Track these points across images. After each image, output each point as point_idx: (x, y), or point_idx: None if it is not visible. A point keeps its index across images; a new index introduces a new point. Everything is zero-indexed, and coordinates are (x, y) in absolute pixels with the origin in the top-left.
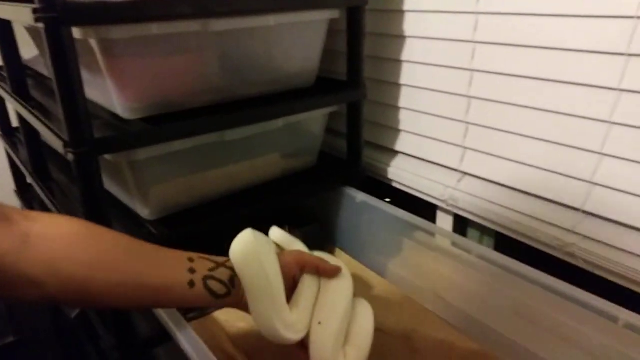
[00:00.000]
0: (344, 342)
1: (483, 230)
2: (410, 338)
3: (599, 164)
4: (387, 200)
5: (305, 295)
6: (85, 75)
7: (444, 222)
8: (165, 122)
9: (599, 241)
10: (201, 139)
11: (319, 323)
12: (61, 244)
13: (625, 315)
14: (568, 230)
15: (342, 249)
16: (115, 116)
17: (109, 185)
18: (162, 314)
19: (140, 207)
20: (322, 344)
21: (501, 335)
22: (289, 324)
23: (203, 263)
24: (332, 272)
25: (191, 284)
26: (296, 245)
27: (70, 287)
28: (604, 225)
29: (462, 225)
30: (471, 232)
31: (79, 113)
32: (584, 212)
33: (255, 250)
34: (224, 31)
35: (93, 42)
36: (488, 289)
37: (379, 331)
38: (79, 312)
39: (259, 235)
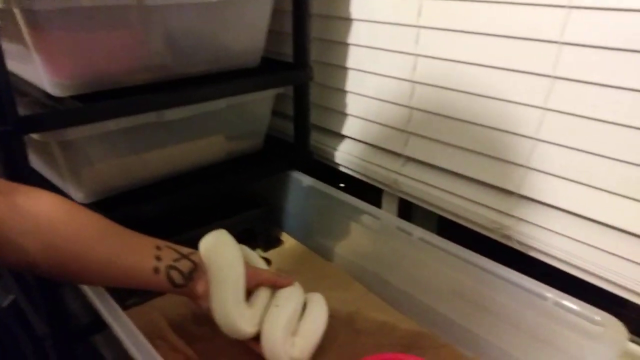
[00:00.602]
0: (296, 332)
1: (426, 214)
2: (354, 319)
3: (534, 149)
4: (342, 185)
5: (260, 297)
6: (11, 48)
7: (389, 206)
8: (98, 100)
9: (532, 224)
10: (138, 119)
11: (276, 305)
12: (45, 215)
13: (553, 294)
14: (504, 214)
15: (289, 233)
16: (46, 94)
17: (40, 166)
18: (96, 301)
19: (74, 190)
20: (275, 323)
21: (441, 315)
22: (246, 316)
23: (169, 253)
24: (288, 284)
25: (156, 270)
26: (260, 265)
27: (52, 257)
28: (537, 209)
29: (406, 209)
30: (415, 216)
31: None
32: (520, 195)
33: (226, 244)
34: (162, 5)
35: (17, 12)
36: (429, 270)
37: None
38: (11, 301)
39: (231, 237)
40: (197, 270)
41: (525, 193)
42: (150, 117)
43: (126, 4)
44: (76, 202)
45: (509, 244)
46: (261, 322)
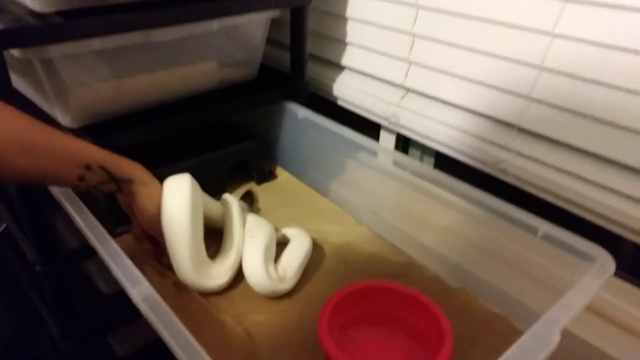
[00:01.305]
0: (278, 260)
1: (423, 149)
2: (344, 251)
3: (537, 80)
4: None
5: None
6: None
7: (387, 141)
8: (82, 17)
9: (530, 157)
10: (124, 39)
11: (252, 237)
12: None
13: (544, 226)
14: (502, 147)
15: (283, 167)
16: (29, 11)
17: (26, 89)
18: (84, 227)
19: (61, 114)
20: (255, 252)
21: (431, 249)
22: (208, 273)
23: (97, 174)
24: None
25: (76, 187)
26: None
27: None
28: (535, 142)
29: (404, 144)
30: (412, 151)
31: None
32: (519, 128)
33: (182, 195)
34: None
35: None
36: (423, 205)
37: (314, 245)
38: (2, 229)
39: (191, 184)
40: (123, 193)
41: (525, 126)
42: (137, 38)
43: None
44: (63, 126)
45: (504, 178)
46: (230, 270)
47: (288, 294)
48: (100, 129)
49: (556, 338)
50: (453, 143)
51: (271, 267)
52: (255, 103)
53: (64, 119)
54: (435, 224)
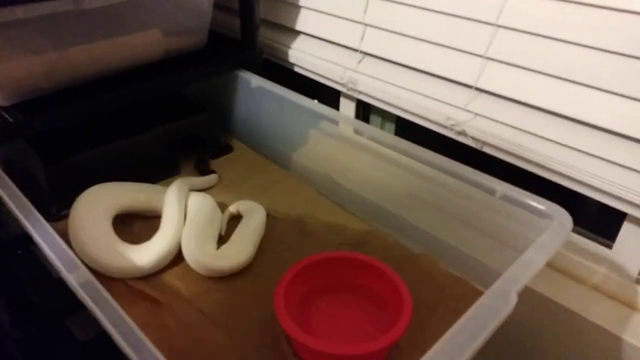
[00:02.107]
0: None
1: (384, 115)
2: (303, 222)
3: (494, 37)
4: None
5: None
6: None
7: (347, 108)
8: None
9: (489, 118)
10: (52, 6)
11: (190, 220)
12: None
13: (502, 187)
14: (461, 109)
15: (240, 139)
16: None
17: None
18: (17, 212)
19: None
20: (188, 233)
21: (392, 214)
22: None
23: None
24: None
25: None
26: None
27: None
28: (494, 102)
29: (364, 111)
30: (373, 118)
31: None
32: (477, 89)
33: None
34: None
35: None
36: (383, 172)
37: (273, 218)
38: None
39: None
40: None
41: (482, 86)
42: (66, 4)
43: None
44: None
45: (464, 140)
46: (157, 254)
47: (245, 270)
48: (35, 106)
49: (514, 297)
50: (411, 107)
51: (209, 245)
52: (205, 73)
53: None
54: (395, 190)
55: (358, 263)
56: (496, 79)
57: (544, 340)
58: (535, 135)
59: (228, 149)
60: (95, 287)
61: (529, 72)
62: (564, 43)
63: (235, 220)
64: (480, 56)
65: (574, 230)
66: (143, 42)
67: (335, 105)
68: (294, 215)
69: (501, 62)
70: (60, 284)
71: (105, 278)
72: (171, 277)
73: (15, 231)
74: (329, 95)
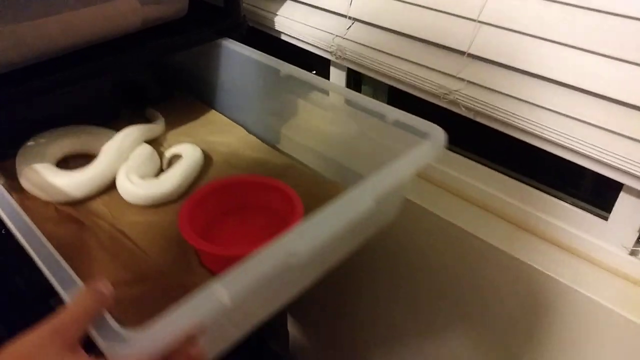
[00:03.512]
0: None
1: (376, 86)
2: (230, 158)
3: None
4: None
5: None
6: None
7: (337, 78)
8: None
9: (481, 86)
10: None
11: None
12: None
13: (394, 113)
14: (452, 77)
15: (224, 113)
16: None
17: None
18: None
19: None
20: (123, 169)
21: (313, 151)
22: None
23: None
24: None
25: None
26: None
27: None
28: (488, 69)
29: (355, 81)
30: (364, 88)
31: None
32: (470, 55)
33: None
34: None
35: None
36: (305, 111)
37: (207, 157)
38: None
39: None
40: None
41: (475, 52)
42: None
43: None
44: None
45: (456, 110)
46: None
47: (173, 202)
48: (8, 79)
49: (370, 200)
50: (401, 75)
51: (144, 179)
52: (185, 43)
53: None
54: (315, 127)
55: (261, 185)
56: (490, 44)
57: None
58: (530, 103)
59: (167, 98)
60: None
61: (524, 37)
62: (561, 4)
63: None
64: (474, 20)
65: (569, 202)
66: (119, 11)
67: (326, 76)
68: (223, 153)
69: (495, 26)
70: None
71: (40, 202)
72: (99, 204)
73: None
74: (318, 65)
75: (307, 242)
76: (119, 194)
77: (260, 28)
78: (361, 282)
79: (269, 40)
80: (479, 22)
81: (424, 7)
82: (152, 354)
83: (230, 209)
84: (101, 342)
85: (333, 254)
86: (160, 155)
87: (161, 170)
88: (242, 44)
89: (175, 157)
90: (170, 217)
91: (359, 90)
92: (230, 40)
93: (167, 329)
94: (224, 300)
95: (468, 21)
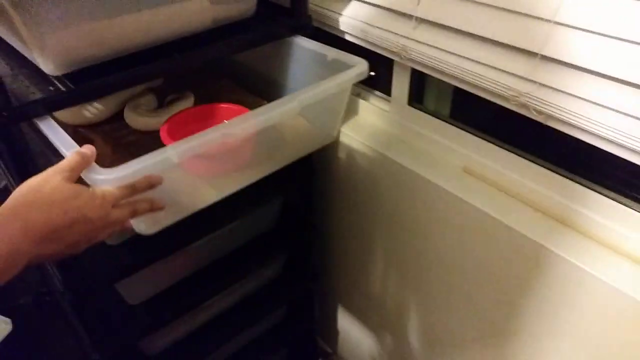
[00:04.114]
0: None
1: (440, 86)
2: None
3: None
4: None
5: None
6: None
7: (401, 78)
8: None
9: (554, 89)
10: None
11: None
12: None
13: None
14: (523, 78)
15: None
16: None
17: (8, 38)
18: None
19: (42, 61)
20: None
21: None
22: None
23: None
24: None
25: None
26: None
27: None
28: (562, 72)
29: (419, 81)
30: (428, 88)
31: None
32: (543, 56)
33: None
34: None
35: None
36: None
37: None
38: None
39: None
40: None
41: (549, 54)
42: None
43: None
44: (47, 74)
45: (525, 113)
46: None
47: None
48: (84, 75)
49: (296, 103)
50: (469, 76)
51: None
52: (253, 41)
53: (46, 66)
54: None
55: (229, 110)
56: (565, 45)
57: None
58: (606, 107)
59: None
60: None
61: (602, 38)
62: None
63: None
64: (549, 21)
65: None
66: (191, 10)
67: (389, 75)
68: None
69: (571, 27)
70: (111, 249)
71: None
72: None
73: None
74: (381, 64)
75: (242, 126)
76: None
77: (324, 28)
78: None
79: (332, 40)
80: (555, 22)
81: (495, 7)
82: (120, 185)
83: (198, 123)
84: (86, 174)
85: (274, 151)
86: None
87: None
88: (312, 40)
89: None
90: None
91: (422, 90)
92: (301, 37)
93: (131, 169)
94: (173, 157)
95: (542, 22)
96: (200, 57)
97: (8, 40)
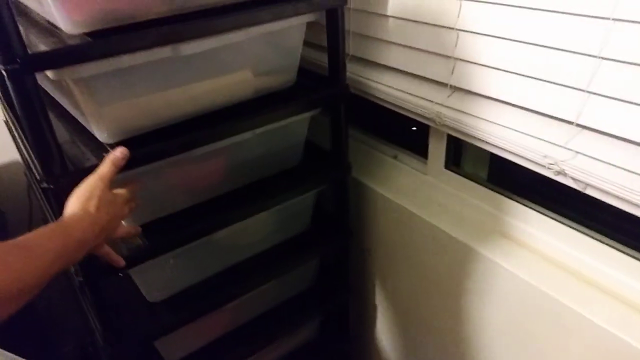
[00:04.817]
0: None
1: (477, 151)
2: None
3: (595, 71)
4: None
5: None
6: None
7: (437, 142)
8: (108, 35)
9: (592, 157)
10: (154, 54)
11: None
12: None
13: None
14: (560, 146)
15: None
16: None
17: (65, 103)
18: None
19: (97, 129)
20: None
21: None
22: None
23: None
24: None
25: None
26: None
27: None
28: (598, 140)
29: (455, 146)
30: (465, 153)
31: (5, 26)
32: (578, 125)
33: None
34: None
35: None
36: None
37: None
38: None
39: None
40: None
41: (585, 122)
42: (165, 52)
43: None
44: (102, 142)
45: (563, 180)
46: None
47: None
48: (136, 143)
49: None
50: (503, 143)
51: None
52: (291, 111)
53: (100, 135)
54: None
55: None
56: (601, 114)
57: None
58: None
59: None
60: None
61: (637, 107)
62: None
63: None
64: (582, 90)
65: None
66: (235, 82)
67: (426, 138)
68: None
69: (606, 96)
70: (153, 307)
71: None
72: None
73: None
74: (419, 127)
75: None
76: None
77: (362, 95)
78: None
79: (371, 104)
80: (589, 92)
81: (527, 76)
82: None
83: None
84: None
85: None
86: None
87: None
88: None
89: None
90: None
91: (458, 154)
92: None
93: None
94: None
95: (576, 91)
96: (243, 128)
97: (69, 110)
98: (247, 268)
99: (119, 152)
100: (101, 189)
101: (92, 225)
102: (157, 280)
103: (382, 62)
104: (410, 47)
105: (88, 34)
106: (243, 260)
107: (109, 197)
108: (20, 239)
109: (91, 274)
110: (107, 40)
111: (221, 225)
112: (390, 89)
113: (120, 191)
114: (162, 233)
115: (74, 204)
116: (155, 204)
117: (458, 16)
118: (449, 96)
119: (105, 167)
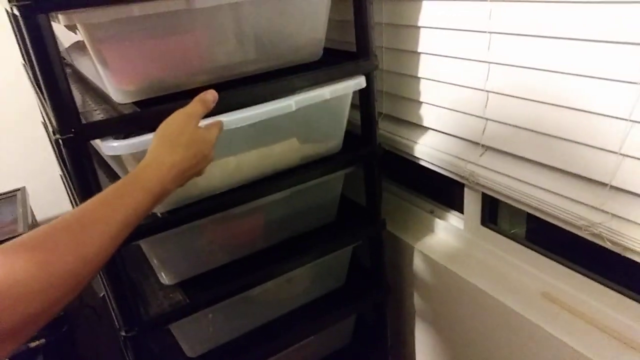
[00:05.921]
0: None
1: (513, 209)
2: None
3: (629, 131)
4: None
5: None
6: (86, 61)
7: (472, 200)
8: (157, 104)
9: (628, 220)
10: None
11: None
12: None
13: None
14: (595, 208)
15: None
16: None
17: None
18: None
19: None
20: None
21: None
22: None
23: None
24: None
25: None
26: None
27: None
28: (633, 202)
29: (491, 203)
30: (501, 209)
31: (62, 98)
32: (612, 187)
33: None
34: (210, 7)
35: (79, 27)
36: None
37: None
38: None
39: None
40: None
41: (618, 184)
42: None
43: (176, 9)
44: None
45: (600, 242)
46: None
47: None
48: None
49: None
50: (536, 204)
51: None
52: (326, 170)
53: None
54: None
55: None
56: (634, 176)
57: None
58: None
59: None
60: None
61: None
62: None
63: None
64: (615, 153)
65: None
66: (283, 150)
67: (461, 194)
68: None
69: (638, 158)
70: None
71: None
72: None
73: (154, 311)
74: (454, 185)
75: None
76: None
77: (395, 152)
78: None
79: (407, 159)
80: (621, 154)
81: (560, 138)
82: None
83: None
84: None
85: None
86: None
87: None
88: None
89: None
90: None
91: (495, 210)
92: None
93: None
94: None
95: (609, 153)
96: (279, 187)
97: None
98: (284, 324)
99: (210, 94)
100: (193, 125)
101: (170, 170)
102: (196, 335)
103: (414, 121)
104: (442, 107)
105: (136, 103)
106: (280, 316)
107: (201, 134)
108: (77, 214)
109: (134, 328)
110: (154, 110)
111: (259, 282)
112: (423, 146)
113: (213, 130)
114: (202, 289)
115: (160, 140)
116: (196, 260)
117: (487, 79)
118: (481, 155)
119: (195, 106)
